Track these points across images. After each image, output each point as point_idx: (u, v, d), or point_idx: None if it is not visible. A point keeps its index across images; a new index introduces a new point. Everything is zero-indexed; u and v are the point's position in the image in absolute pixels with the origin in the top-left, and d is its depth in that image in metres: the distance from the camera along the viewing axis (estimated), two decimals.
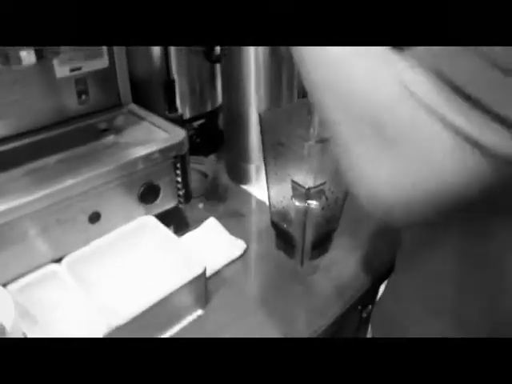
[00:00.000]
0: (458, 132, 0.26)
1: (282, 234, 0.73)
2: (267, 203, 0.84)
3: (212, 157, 0.97)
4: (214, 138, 0.96)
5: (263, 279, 0.70)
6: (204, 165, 0.90)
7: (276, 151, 0.65)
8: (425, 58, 0.28)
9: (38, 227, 0.58)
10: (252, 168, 0.89)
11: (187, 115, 0.89)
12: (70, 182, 0.58)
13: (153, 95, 0.87)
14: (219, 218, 0.80)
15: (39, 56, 0.55)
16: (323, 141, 0.59)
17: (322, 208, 0.61)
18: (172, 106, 0.82)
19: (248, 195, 0.89)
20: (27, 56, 0.55)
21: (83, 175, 0.59)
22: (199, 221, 0.79)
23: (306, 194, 0.61)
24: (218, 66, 0.93)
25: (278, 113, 0.69)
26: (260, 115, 0.64)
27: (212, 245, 0.73)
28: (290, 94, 0.83)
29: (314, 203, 0.60)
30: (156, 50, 0.84)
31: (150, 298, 0.56)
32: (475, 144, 0.26)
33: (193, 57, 0.88)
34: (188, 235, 0.74)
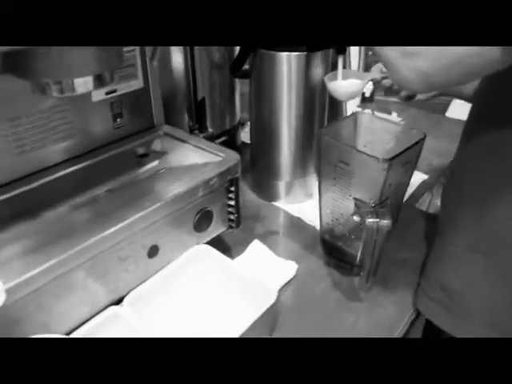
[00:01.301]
0: None
1: (335, 252, 0.72)
2: (304, 219, 0.84)
3: None
4: None
5: (322, 299, 0.68)
6: None
7: (337, 169, 0.64)
8: None
9: (101, 269, 0.53)
10: (281, 185, 0.87)
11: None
12: (135, 217, 0.54)
13: (177, 115, 0.83)
14: (258, 237, 0.77)
15: (99, 84, 0.51)
16: (392, 159, 0.59)
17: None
18: (203, 125, 0.78)
19: (281, 212, 0.87)
20: (83, 84, 0.50)
21: (146, 209, 0.55)
22: (239, 242, 0.76)
23: (375, 212, 0.60)
24: (237, 83, 0.91)
25: (335, 129, 0.67)
26: (320, 132, 0.62)
27: (263, 268, 0.70)
28: (322, 107, 0.82)
29: (384, 222, 0.59)
30: (180, 68, 0.80)
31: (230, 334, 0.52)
32: None
33: (215, 74, 0.85)
34: (238, 259, 0.71)
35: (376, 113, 1.25)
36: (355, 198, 0.62)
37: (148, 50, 0.65)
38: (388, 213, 0.60)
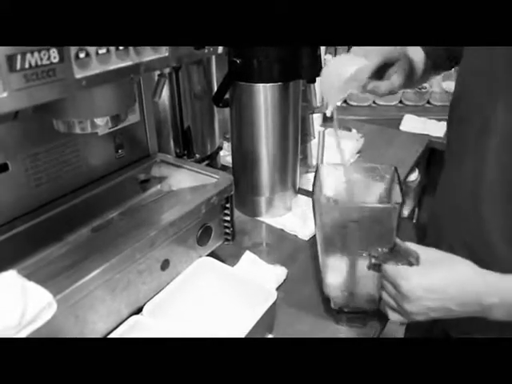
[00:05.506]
0: None
1: (347, 307, 0.72)
2: (286, 230, 0.93)
3: None
4: None
5: (313, 299, 0.77)
6: None
7: (343, 229, 0.64)
8: None
9: (125, 282, 0.60)
10: (263, 200, 0.96)
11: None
12: (151, 235, 0.61)
13: (164, 143, 0.91)
14: (248, 250, 0.86)
15: (116, 122, 0.59)
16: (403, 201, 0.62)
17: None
18: (191, 151, 0.87)
19: (264, 225, 0.96)
20: (103, 122, 0.58)
21: (160, 227, 0.62)
22: (232, 255, 0.84)
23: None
24: (215, 112, 1.00)
25: (317, 189, 0.68)
26: (313, 198, 0.65)
27: (258, 274, 0.79)
28: (296, 128, 0.93)
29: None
30: (166, 100, 0.88)
31: (238, 333, 0.59)
32: None
33: (197, 104, 0.94)
34: (235, 268, 0.80)
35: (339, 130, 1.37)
36: (369, 249, 0.61)
37: (151, 88, 0.73)
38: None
